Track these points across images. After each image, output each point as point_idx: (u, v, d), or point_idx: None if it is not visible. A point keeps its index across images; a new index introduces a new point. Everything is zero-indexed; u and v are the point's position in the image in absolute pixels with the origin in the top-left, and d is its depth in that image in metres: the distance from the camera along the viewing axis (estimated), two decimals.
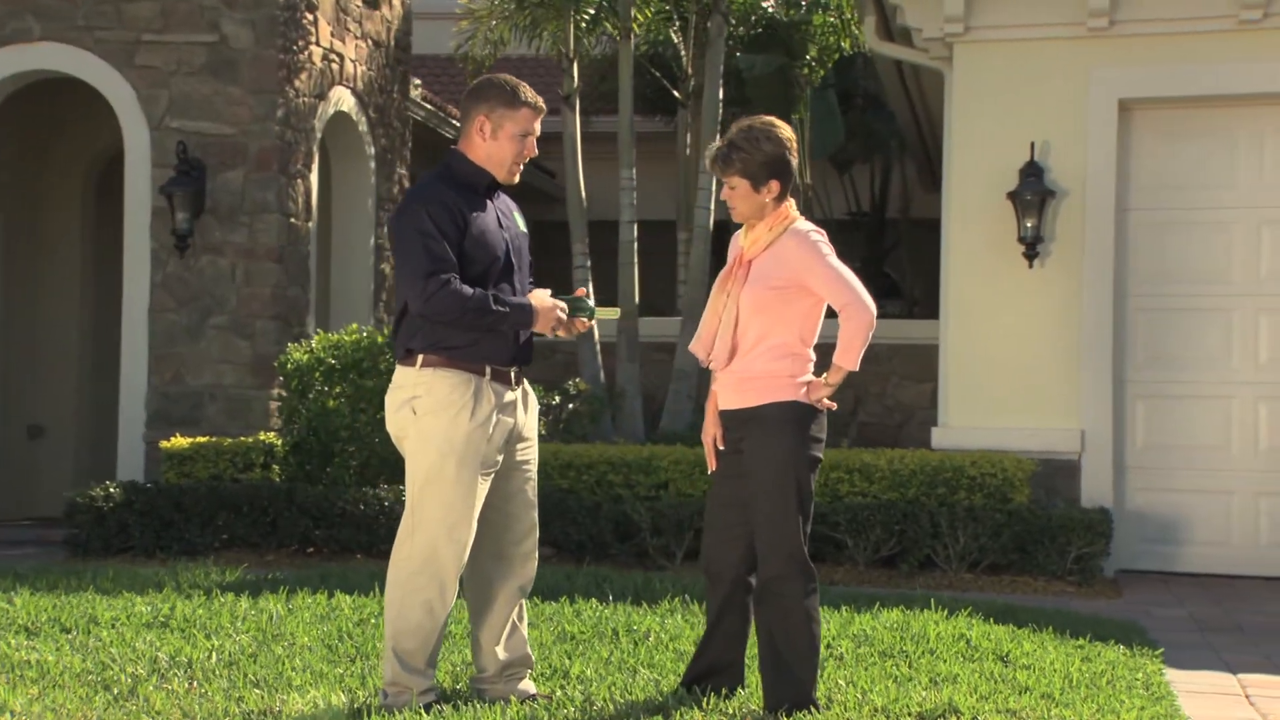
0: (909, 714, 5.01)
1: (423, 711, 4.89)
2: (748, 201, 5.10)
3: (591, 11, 12.50)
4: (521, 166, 5.20)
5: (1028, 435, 10.00)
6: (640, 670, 5.59)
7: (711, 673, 5.22)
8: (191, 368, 11.28)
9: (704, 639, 5.28)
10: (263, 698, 5.12)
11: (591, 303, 5.20)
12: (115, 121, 11.67)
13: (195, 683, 5.36)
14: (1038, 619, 7.06)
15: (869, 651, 6.04)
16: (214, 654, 5.82)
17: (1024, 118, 10.16)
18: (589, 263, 12.01)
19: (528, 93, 5.15)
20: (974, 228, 10.25)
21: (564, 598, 7.25)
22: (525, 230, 5.30)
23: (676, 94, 13.65)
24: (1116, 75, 10.08)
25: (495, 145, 5.11)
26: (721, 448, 5.18)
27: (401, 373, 5.05)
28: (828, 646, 6.05)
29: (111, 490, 9.94)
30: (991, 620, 6.91)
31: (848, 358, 5.01)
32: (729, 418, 5.14)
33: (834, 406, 5.14)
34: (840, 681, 5.41)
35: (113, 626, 6.44)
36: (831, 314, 5.09)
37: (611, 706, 5.03)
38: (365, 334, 10.29)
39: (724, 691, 5.15)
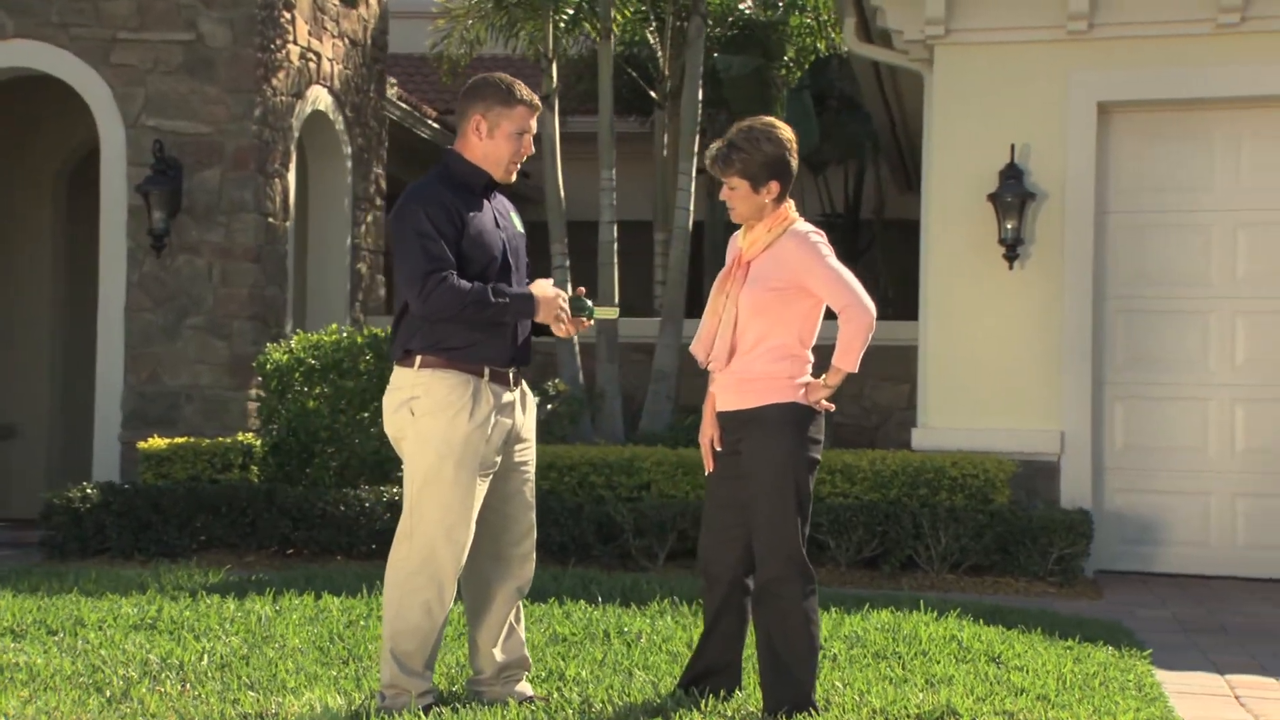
0: (907, 716, 5.02)
1: (421, 714, 4.87)
2: (747, 202, 5.10)
3: (571, 12, 12.47)
4: (519, 165, 5.18)
5: (1008, 436, 10.03)
6: (635, 672, 5.58)
7: (709, 674, 5.21)
8: (168, 368, 11.20)
9: (701, 640, 5.27)
10: (258, 700, 5.09)
11: (590, 302, 5.19)
12: (89, 119, 11.57)
13: (188, 685, 5.32)
14: (1025, 620, 7.08)
15: (862, 653, 6.05)
16: (205, 656, 5.78)
17: (1004, 120, 10.19)
18: (568, 263, 11.98)
19: (523, 91, 5.14)
20: (954, 230, 10.28)
21: (552, 599, 7.23)
22: (522, 230, 5.29)
23: (653, 94, 13.63)
24: (1096, 78, 10.12)
25: (492, 144, 5.09)
26: (719, 449, 5.18)
27: (400, 373, 5.03)
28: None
29: (88, 491, 9.86)
30: (981, 621, 6.93)
31: (847, 359, 5.01)
32: (727, 419, 5.13)
33: (832, 408, 5.15)
34: (836, 683, 5.41)
35: (100, 628, 6.39)
36: (830, 316, 5.09)
37: (610, 708, 5.02)
38: (345, 334, 10.23)
39: (722, 693, 5.15)
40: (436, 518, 4.91)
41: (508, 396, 5.05)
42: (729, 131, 5.15)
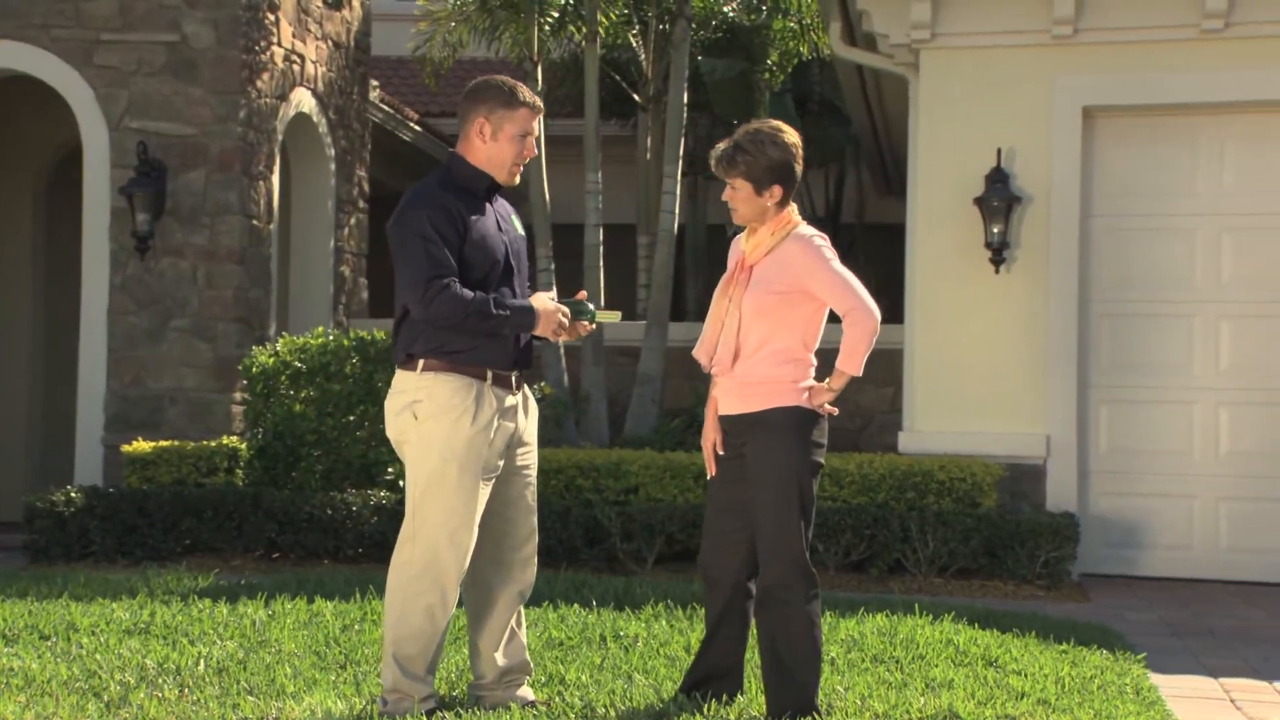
0: None
1: (424, 718, 4.85)
2: (749, 204, 5.09)
3: (556, 14, 12.45)
4: (521, 168, 5.17)
5: (994, 440, 10.05)
6: (635, 676, 5.57)
7: (711, 678, 5.20)
8: (152, 371, 11.14)
9: (703, 644, 5.26)
10: (258, 705, 5.06)
11: (592, 306, 5.19)
12: (71, 120, 11.51)
13: (187, 690, 5.29)
14: (1018, 623, 7.09)
15: (860, 657, 6.05)
16: (201, 661, 5.74)
17: (990, 124, 10.22)
18: (553, 266, 11.96)
19: (525, 93, 5.12)
20: (940, 233, 10.30)
21: (546, 603, 7.21)
22: (523, 233, 5.27)
23: (637, 97, 13.62)
24: (1081, 83, 10.15)
25: (495, 147, 5.07)
26: (721, 453, 5.17)
27: (402, 377, 5.01)
28: None
29: (72, 495, 9.80)
30: (975, 625, 6.93)
31: (851, 363, 5.02)
32: (730, 423, 5.13)
33: (836, 412, 5.15)
34: (837, 687, 5.41)
35: (93, 633, 6.34)
36: (833, 319, 5.09)
37: (613, 712, 5.01)
38: (331, 337, 10.20)
39: (724, 697, 5.14)
40: (440, 521, 4.89)
41: (510, 400, 5.04)
42: (735, 132, 5.15)
